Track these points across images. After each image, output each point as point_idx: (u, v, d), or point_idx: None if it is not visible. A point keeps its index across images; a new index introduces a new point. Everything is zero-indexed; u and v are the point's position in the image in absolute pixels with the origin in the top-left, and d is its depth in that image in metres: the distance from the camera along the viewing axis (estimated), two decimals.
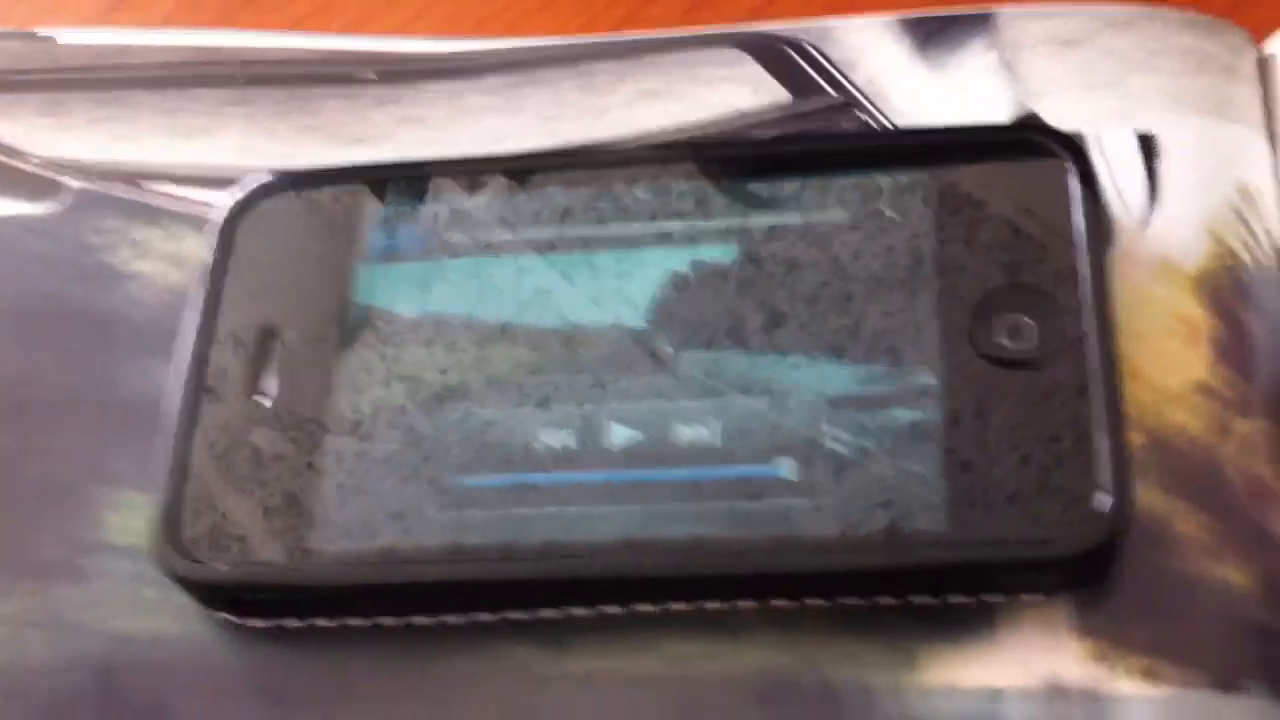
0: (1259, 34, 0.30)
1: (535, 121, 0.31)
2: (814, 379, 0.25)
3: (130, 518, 0.27)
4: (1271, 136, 0.29)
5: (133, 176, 0.32)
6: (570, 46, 0.32)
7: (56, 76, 0.33)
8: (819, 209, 0.27)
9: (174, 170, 0.32)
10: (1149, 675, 0.24)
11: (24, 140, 0.32)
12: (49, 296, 0.30)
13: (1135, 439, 0.25)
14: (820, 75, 0.31)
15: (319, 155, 0.31)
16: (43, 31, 0.34)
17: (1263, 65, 0.30)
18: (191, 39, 0.34)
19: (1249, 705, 0.23)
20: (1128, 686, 0.24)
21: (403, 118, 0.32)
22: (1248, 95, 0.29)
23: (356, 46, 0.33)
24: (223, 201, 0.29)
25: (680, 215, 0.27)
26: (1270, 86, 0.30)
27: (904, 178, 0.27)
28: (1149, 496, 0.25)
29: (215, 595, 0.26)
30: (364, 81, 0.32)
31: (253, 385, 0.27)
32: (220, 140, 0.32)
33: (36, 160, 0.32)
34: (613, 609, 0.25)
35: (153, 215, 0.31)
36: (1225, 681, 0.23)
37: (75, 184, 0.32)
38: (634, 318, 0.26)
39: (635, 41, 0.32)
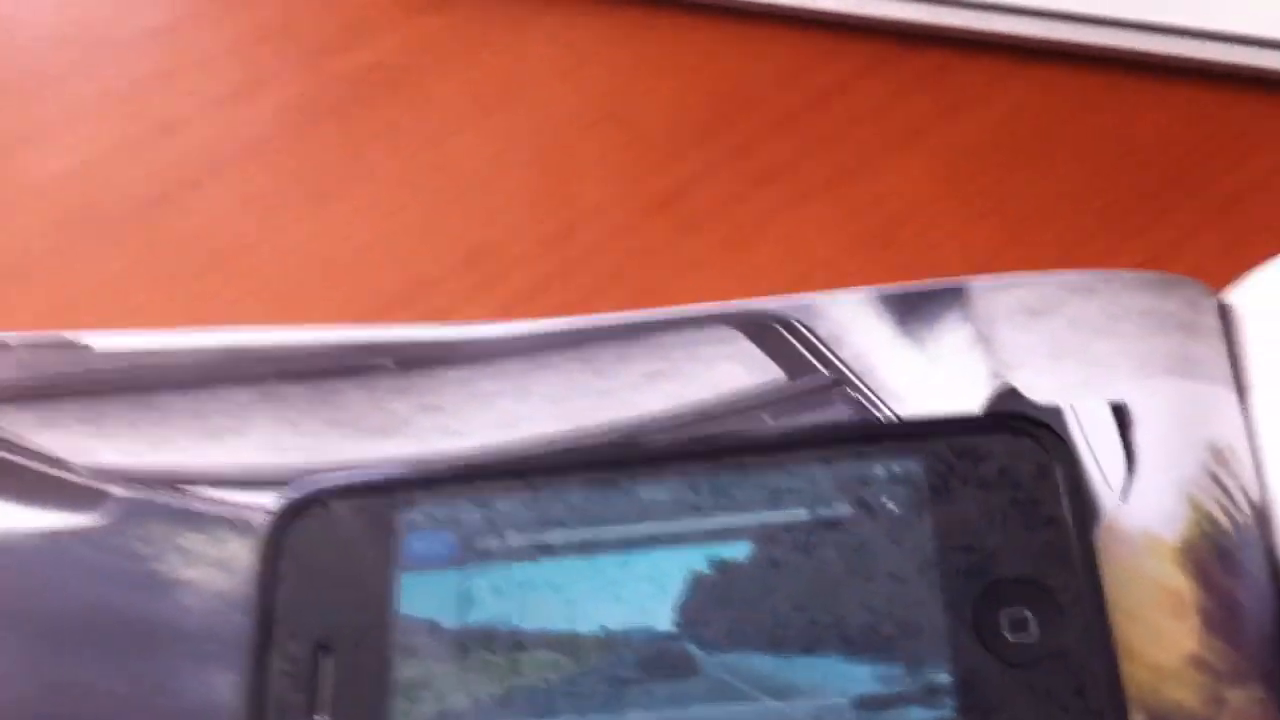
0: (1220, 286, 0.32)
1: (545, 404, 0.33)
2: (838, 681, 0.27)
3: None
4: (1239, 387, 0.31)
5: (174, 481, 0.33)
6: (574, 329, 0.34)
7: (92, 382, 0.35)
8: (822, 502, 0.29)
9: (210, 473, 0.33)
10: None
11: (67, 450, 0.34)
12: (99, 607, 0.32)
13: (1136, 719, 0.27)
14: (810, 352, 0.33)
15: (343, 448, 0.33)
16: (79, 339, 0.35)
17: (1224, 314, 0.32)
18: (217, 338, 0.35)
19: None
20: None
21: (420, 405, 0.33)
22: (1211, 350, 0.31)
23: (375, 337, 0.35)
24: (262, 504, 0.31)
25: (693, 513, 0.29)
26: (1233, 336, 0.32)
27: (898, 468, 0.29)
28: None
29: None
30: (383, 370, 0.34)
31: (310, 706, 0.29)
32: (249, 438, 0.33)
33: (81, 470, 0.33)
34: None
35: (196, 521, 0.32)
36: None
37: (120, 493, 0.33)
38: (662, 620, 0.28)
39: (634, 322, 0.34)
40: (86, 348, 0.35)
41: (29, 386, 0.35)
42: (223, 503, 0.33)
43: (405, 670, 0.29)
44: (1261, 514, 0.30)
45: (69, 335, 0.36)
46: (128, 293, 0.38)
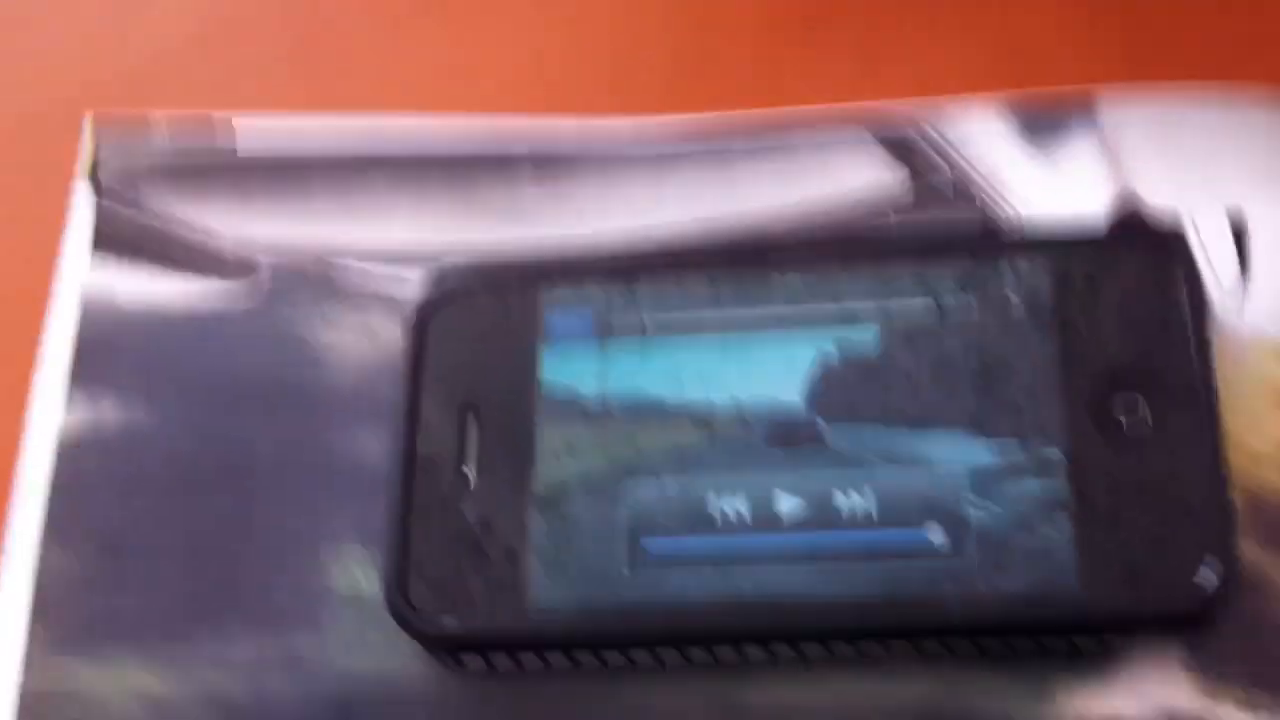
0: None
1: (677, 200, 0.34)
2: (955, 453, 0.29)
3: (353, 570, 0.32)
4: None
5: (320, 254, 0.35)
6: (706, 127, 0.35)
7: (237, 162, 0.36)
8: (948, 295, 0.31)
9: (356, 248, 0.35)
10: (1248, 706, 0.28)
11: (216, 222, 0.35)
12: (252, 370, 0.34)
13: (1234, 498, 0.29)
14: (936, 155, 0.34)
15: (481, 232, 0.35)
16: (224, 118, 0.37)
17: None
18: (359, 124, 0.36)
19: None
20: (1229, 714, 0.28)
21: (555, 195, 0.35)
22: None
23: (512, 129, 0.36)
24: (407, 278, 0.33)
25: (825, 298, 0.31)
26: None
27: (1025, 268, 0.30)
28: (1248, 550, 0.29)
29: (439, 645, 0.30)
30: (519, 159, 0.35)
31: (459, 460, 0.31)
32: (392, 219, 0.35)
33: (230, 240, 0.35)
34: (786, 652, 0.29)
35: (342, 291, 0.34)
36: None
37: (268, 261, 0.35)
38: (792, 395, 0.30)
39: (764, 119, 0.35)
40: (230, 127, 0.37)
41: (176, 165, 0.36)
42: (369, 274, 0.35)
43: (547, 433, 0.31)
44: None
45: (214, 115, 0.37)
46: (270, 85, 0.39)
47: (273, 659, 0.31)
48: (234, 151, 0.36)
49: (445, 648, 0.30)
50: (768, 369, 0.31)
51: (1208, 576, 0.27)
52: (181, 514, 0.33)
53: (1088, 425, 0.29)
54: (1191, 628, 0.28)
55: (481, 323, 0.32)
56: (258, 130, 0.37)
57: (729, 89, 0.37)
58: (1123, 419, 0.29)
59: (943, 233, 0.32)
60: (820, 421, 0.30)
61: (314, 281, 0.35)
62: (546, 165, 0.35)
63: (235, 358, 0.34)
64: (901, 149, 0.34)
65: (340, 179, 0.36)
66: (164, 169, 0.36)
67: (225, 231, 0.35)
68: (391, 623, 0.30)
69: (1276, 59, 0.36)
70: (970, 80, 0.36)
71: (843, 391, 0.30)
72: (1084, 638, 0.28)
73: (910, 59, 0.37)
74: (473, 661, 0.30)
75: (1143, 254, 0.30)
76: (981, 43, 0.37)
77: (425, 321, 0.32)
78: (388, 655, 0.31)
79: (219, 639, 0.31)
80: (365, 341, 0.34)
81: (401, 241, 0.35)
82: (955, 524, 0.29)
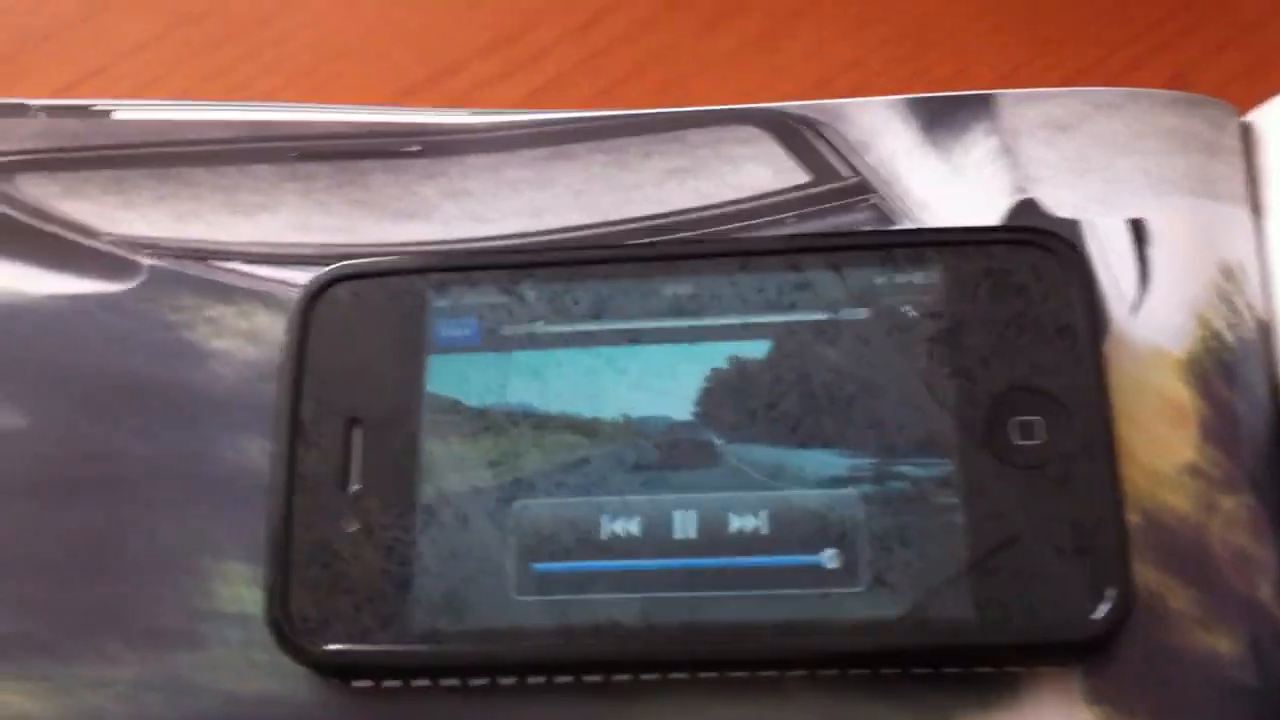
0: (1244, 107, 0.33)
1: (569, 196, 0.33)
2: (850, 474, 0.28)
3: (238, 587, 0.30)
4: (1255, 207, 0.32)
5: (202, 254, 0.33)
6: (599, 121, 0.34)
7: (116, 153, 0.35)
8: (840, 305, 0.30)
9: (238, 247, 0.33)
10: None
11: (95, 219, 0.34)
12: (130, 373, 0.32)
13: (1131, 519, 0.28)
14: (835, 157, 0.33)
15: (371, 230, 0.33)
16: (97, 104, 0.35)
17: (1245, 133, 0.32)
18: (242, 114, 0.35)
19: None
20: None
21: (448, 191, 0.34)
22: (1230, 169, 0.32)
23: (401, 119, 0.35)
24: (291, 280, 0.32)
25: (716, 310, 0.30)
26: (1253, 157, 0.32)
27: (917, 275, 0.30)
28: (1145, 574, 0.28)
29: (323, 668, 0.29)
30: (410, 154, 0.34)
31: (342, 474, 0.30)
32: (277, 215, 0.34)
33: (109, 238, 0.34)
34: (680, 676, 0.29)
35: (226, 293, 0.33)
36: None
37: (148, 262, 0.33)
38: (683, 411, 0.30)
39: (660, 116, 0.34)
40: (107, 115, 0.35)
41: (52, 154, 0.35)
42: (252, 276, 0.33)
43: (433, 447, 0.30)
44: (1266, 330, 0.31)
45: (90, 102, 0.35)
46: (147, 64, 0.38)
47: (153, 679, 0.30)
48: (113, 142, 0.35)
49: (329, 671, 0.29)
50: (659, 383, 0.30)
51: (1104, 605, 0.27)
52: (55, 524, 0.31)
53: (982, 447, 0.28)
54: (1089, 656, 0.28)
55: (366, 328, 0.31)
56: (138, 120, 0.35)
57: (627, 85, 0.36)
58: (1017, 440, 0.28)
59: (838, 240, 0.31)
60: (713, 438, 0.29)
61: (196, 281, 0.33)
62: (437, 158, 0.34)
63: (112, 359, 0.33)
64: (801, 149, 0.33)
65: (224, 174, 0.34)
66: (38, 158, 0.35)
67: (103, 227, 0.34)
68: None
69: (1181, 62, 0.35)
70: (871, 75, 0.35)
71: (735, 408, 0.29)
72: (980, 665, 0.28)
73: (812, 55, 0.36)
74: (360, 682, 0.29)
75: (1039, 264, 0.30)
76: (884, 38, 0.36)
77: (307, 326, 0.31)
78: (273, 676, 0.30)
79: (96, 657, 0.30)
80: (249, 345, 0.33)
81: (289, 241, 0.33)
82: (849, 548, 0.28)
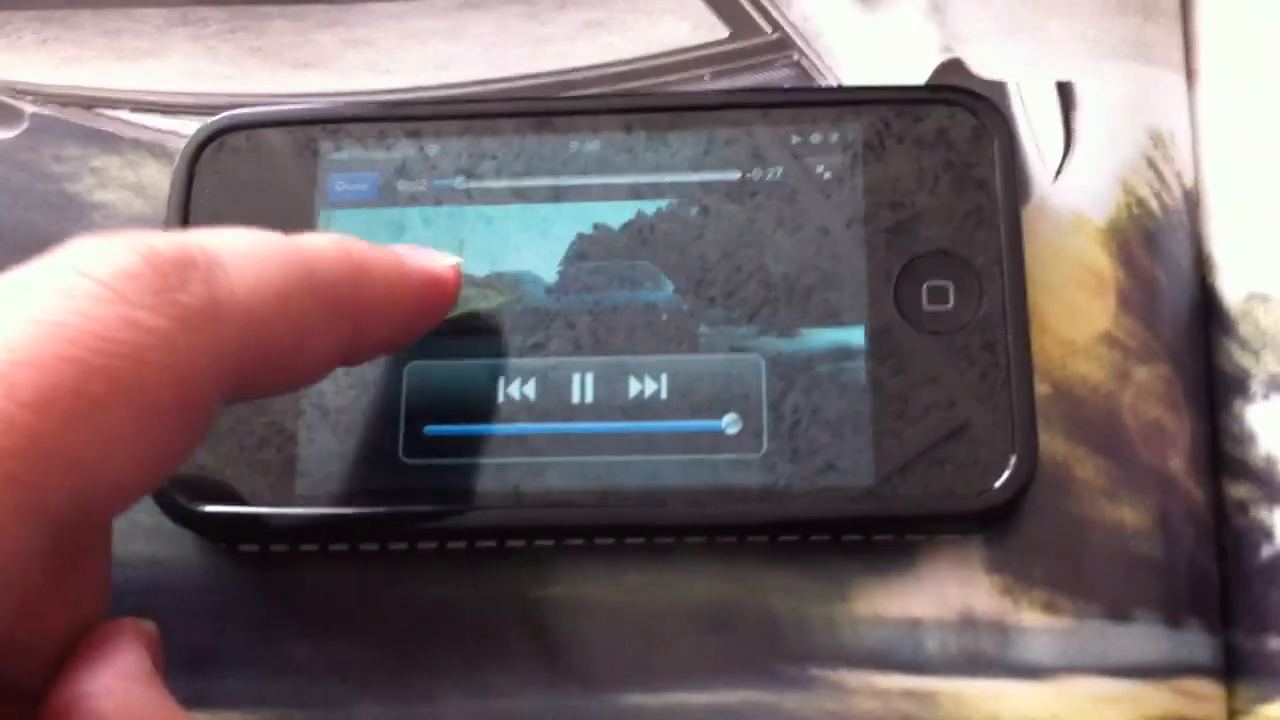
0: None
1: (478, 48, 0.32)
2: (753, 339, 0.27)
3: None
4: (1189, 71, 0.31)
5: (88, 102, 0.32)
6: None
7: None
8: (754, 162, 0.29)
9: (126, 96, 0.32)
10: (1048, 608, 0.27)
11: None
12: (13, 224, 0.31)
13: (1041, 389, 0.27)
14: (757, 11, 0.32)
15: (265, 79, 0.32)
16: None
17: None
18: None
19: (1138, 632, 0.27)
20: (1029, 618, 0.27)
21: (349, 40, 0.32)
22: (1166, 33, 0.31)
23: None
24: (180, 131, 0.31)
25: (622, 168, 0.29)
26: (1189, 20, 0.31)
27: (834, 133, 0.29)
28: (1052, 444, 0.28)
29: (208, 532, 0.28)
30: (311, 1, 0.33)
31: None
32: (165, 62, 0.32)
33: None
34: (575, 543, 0.28)
35: (112, 143, 0.32)
36: (1117, 612, 0.27)
37: (31, 109, 0.32)
38: (587, 271, 0.28)
39: None
40: None
41: None
42: (140, 126, 0.32)
43: None
44: (1192, 199, 0.30)
45: None
46: None
47: None
48: None
49: (214, 535, 0.28)
50: (562, 244, 0.29)
51: (1004, 474, 0.26)
52: None
53: (891, 311, 0.27)
54: (989, 526, 0.27)
55: (256, 181, 0.30)
56: None
57: None
58: (928, 306, 0.27)
59: (752, 97, 0.30)
60: (615, 301, 0.28)
61: (80, 130, 0.32)
62: (340, 5, 0.33)
63: None
64: (722, 3, 0.32)
65: (109, 17, 0.33)
66: None
67: None
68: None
69: None
70: None
71: (640, 270, 0.28)
72: (881, 533, 0.27)
73: None
74: (247, 546, 0.28)
75: (960, 126, 0.28)
76: None
77: (193, 178, 0.30)
78: (159, 540, 0.28)
79: None
80: (135, 198, 0.31)
81: (177, 89, 0.32)
82: (750, 414, 0.27)
